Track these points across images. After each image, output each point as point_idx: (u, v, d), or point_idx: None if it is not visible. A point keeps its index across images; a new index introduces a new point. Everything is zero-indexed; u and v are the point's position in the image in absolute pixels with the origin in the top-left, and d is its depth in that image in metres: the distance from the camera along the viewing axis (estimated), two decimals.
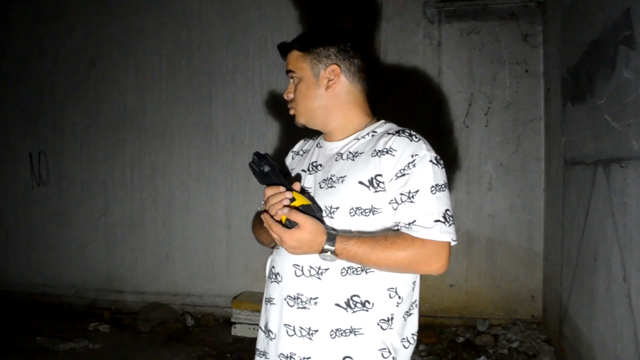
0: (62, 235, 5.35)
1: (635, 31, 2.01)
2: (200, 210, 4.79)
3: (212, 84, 4.73)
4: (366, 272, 1.36)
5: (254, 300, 4.25)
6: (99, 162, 5.15)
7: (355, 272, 1.36)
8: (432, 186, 1.32)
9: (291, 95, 1.51)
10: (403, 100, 4.25)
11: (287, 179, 1.42)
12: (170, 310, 4.69)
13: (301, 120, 1.52)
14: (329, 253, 1.29)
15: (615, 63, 2.24)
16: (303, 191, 1.44)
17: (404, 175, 1.33)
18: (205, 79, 4.75)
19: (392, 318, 1.39)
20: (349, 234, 1.33)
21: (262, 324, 1.56)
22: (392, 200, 1.34)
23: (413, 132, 1.41)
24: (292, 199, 1.32)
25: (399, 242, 1.29)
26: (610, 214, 2.36)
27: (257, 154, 1.40)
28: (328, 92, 1.47)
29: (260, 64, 4.62)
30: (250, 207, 4.59)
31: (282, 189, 1.35)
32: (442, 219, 1.31)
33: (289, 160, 1.72)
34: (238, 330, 4.21)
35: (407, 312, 1.44)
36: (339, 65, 1.47)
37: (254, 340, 4.10)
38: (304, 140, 1.73)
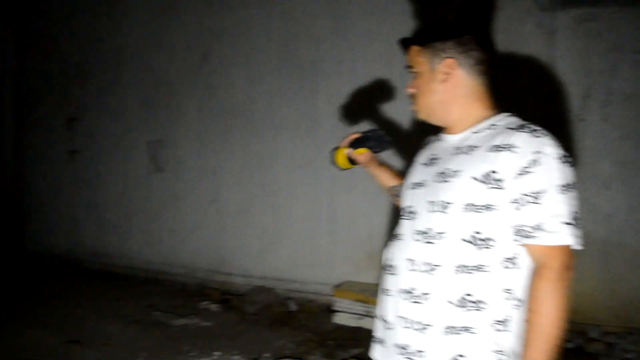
0: (177, 218, 5.75)
1: None
2: (305, 199, 4.93)
3: (318, 76, 4.83)
4: (480, 272, 1.32)
5: (356, 290, 4.33)
6: (210, 151, 5.46)
7: (468, 271, 1.33)
8: (560, 185, 1.26)
9: (412, 91, 1.53)
10: (512, 91, 4.07)
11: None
12: (274, 295, 4.90)
13: (422, 115, 1.54)
14: None
15: None
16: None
17: (527, 173, 1.27)
18: (311, 70, 4.86)
19: (508, 320, 1.33)
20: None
21: (378, 313, 1.58)
22: (513, 200, 1.28)
23: (537, 127, 1.34)
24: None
25: (539, 310, 1.27)
26: None
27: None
28: (444, 86, 1.46)
29: (364, 56, 4.63)
30: (353, 197, 4.66)
31: None
32: (572, 222, 1.26)
33: (418, 156, 1.69)
34: (339, 319, 4.32)
35: None
36: (455, 59, 1.44)
37: (355, 330, 4.22)
38: (434, 135, 1.69)
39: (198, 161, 5.55)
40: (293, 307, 4.71)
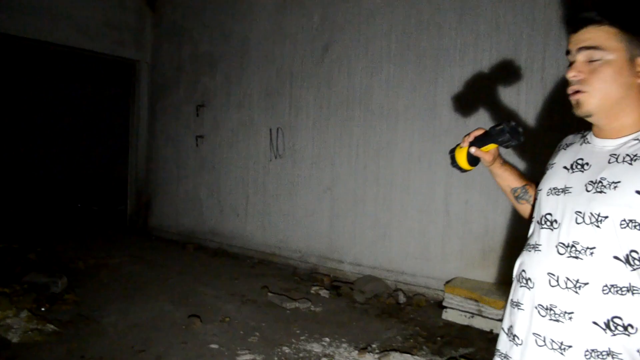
0: (292, 203, 5.93)
1: None
2: (420, 192, 4.86)
3: (439, 66, 4.71)
4: (632, 294, 1.20)
5: (467, 287, 4.21)
6: (327, 139, 5.56)
7: (619, 292, 1.21)
8: None
9: (582, 76, 1.30)
10: None
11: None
12: (384, 285, 4.90)
13: (589, 107, 1.30)
14: None
15: None
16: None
17: None
18: (432, 61, 4.75)
19: None
20: None
21: (505, 326, 1.48)
22: None
23: None
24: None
25: None
26: None
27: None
28: (637, 82, 1.28)
29: (490, 45, 4.44)
30: (470, 193, 4.51)
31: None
32: None
33: (552, 156, 1.57)
34: (449, 315, 4.23)
35: None
36: None
37: (464, 328, 4.11)
38: (573, 135, 1.55)
39: (315, 149, 5.67)
40: (402, 299, 4.68)
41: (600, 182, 1.28)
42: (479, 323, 4.06)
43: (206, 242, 6.98)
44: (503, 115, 4.25)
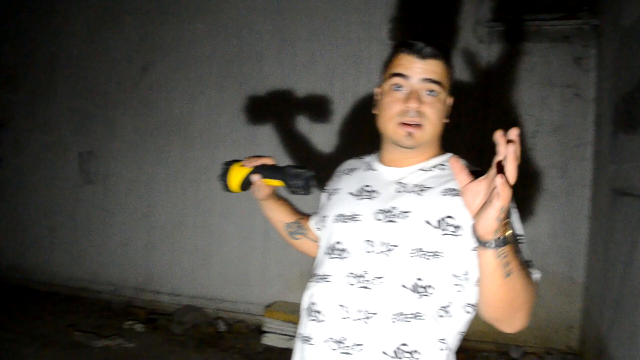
0: (105, 233, 5.51)
1: None
2: (240, 217, 4.84)
3: (259, 94, 4.80)
4: (417, 319, 1.22)
5: (286, 311, 4.25)
6: (145, 164, 5.29)
7: (406, 320, 1.22)
8: (520, 235, 1.22)
9: (422, 108, 1.29)
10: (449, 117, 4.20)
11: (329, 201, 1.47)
12: (203, 314, 4.75)
13: (421, 141, 1.31)
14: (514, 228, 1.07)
15: None
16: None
17: None
18: (253, 88, 4.82)
19: None
20: None
21: None
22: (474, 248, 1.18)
23: None
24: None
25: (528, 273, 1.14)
26: None
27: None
28: (442, 122, 1.34)
29: (307, 75, 4.65)
30: None
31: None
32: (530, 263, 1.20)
33: (332, 181, 1.55)
34: (269, 340, 4.22)
35: None
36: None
37: (284, 351, 4.12)
38: (353, 160, 1.56)
39: (131, 175, 5.36)
40: (222, 327, 4.57)
41: (390, 211, 1.28)
42: None
43: (4, 279, 6.14)
44: (318, 146, 4.46)
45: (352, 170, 1.49)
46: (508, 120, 4.12)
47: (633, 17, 2.91)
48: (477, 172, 1.11)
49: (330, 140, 4.50)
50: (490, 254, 1.03)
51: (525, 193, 4.07)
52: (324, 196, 1.56)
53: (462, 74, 4.22)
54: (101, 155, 5.55)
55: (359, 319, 1.24)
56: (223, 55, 4.96)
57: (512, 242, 1.03)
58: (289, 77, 4.71)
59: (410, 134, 1.28)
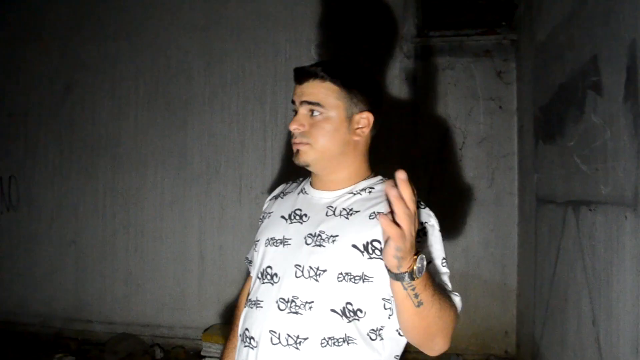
0: (30, 261, 5.21)
1: (603, 78, 2.05)
2: (173, 239, 4.71)
3: (188, 112, 4.70)
4: (348, 344, 1.23)
5: (224, 334, 4.15)
6: (70, 188, 5.06)
7: (336, 344, 1.22)
8: (443, 258, 1.27)
9: (303, 129, 1.32)
10: (378, 133, 4.26)
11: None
12: (139, 342, 4.57)
13: (309, 158, 1.33)
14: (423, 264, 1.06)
15: (584, 107, 2.28)
16: None
17: (418, 242, 1.13)
18: (182, 106, 4.72)
19: None
20: None
21: None
22: None
23: (418, 198, 1.27)
24: None
25: (447, 298, 1.17)
26: (580, 256, 2.36)
27: None
28: (353, 140, 1.35)
29: (237, 93, 4.60)
30: (223, 237, 4.54)
31: None
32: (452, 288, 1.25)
33: (265, 205, 1.57)
34: None
35: None
36: (372, 114, 1.36)
37: None
38: (286, 183, 1.58)
39: (56, 199, 5.11)
40: (159, 354, 4.42)
41: (319, 235, 1.29)
42: None
43: None
44: (250, 164, 4.42)
45: (285, 194, 1.50)
46: (437, 133, 4.22)
47: (546, 32, 3.04)
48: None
49: (262, 159, 4.47)
50: (398, 285, 1.04)
51: (456, 203, 4.17)
52: (259, 223, 1.54)
53: (391, 88, 4.30)
54: (23, 179, 5.26)
55: (289, 345, 1.24)
56: (150, 73, 4.83)
57: (419, 275, 1.03)
58: (218, 94, 4.65)
59: (297, 152, 1.33)
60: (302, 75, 1.35)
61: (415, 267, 1.02)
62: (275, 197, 1.53)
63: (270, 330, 1.26)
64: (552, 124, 2.90)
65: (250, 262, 1.55)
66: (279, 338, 1.25)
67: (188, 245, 4.65)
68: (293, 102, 1.37)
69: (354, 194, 1.35)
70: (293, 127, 1.33)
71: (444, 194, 4.18)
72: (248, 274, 1.61)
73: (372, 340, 1.24)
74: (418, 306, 1.07)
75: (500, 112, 4.13)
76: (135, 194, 4.83)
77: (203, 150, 4.65)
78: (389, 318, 1.25)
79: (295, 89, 1.37)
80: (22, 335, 5.10)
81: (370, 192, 1.35)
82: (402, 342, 1.29)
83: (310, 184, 1.44)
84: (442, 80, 4.24)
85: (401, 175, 0.98)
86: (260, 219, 1.53)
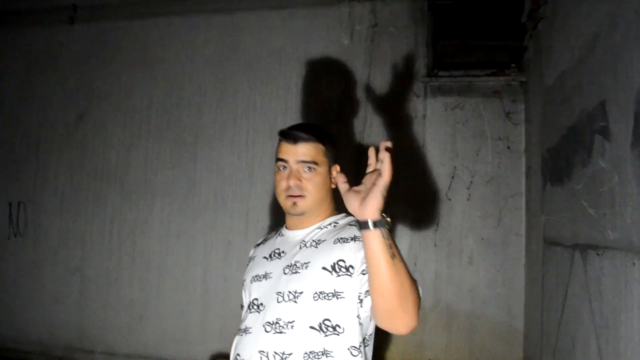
0: (34, 288, 5.20)
1: (611, 123, 2.06)
2: (178, 270, 4.70)
3: (198, 144, 4.76)
4: (327, 357, 1.41)
5: None
6: (78, 216, 5.09)
7: (316, 357, 1.41)
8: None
9: (301, 183, 1.57)
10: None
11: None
12: None
13: (306, 208, 1.58)
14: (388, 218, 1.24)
15: (592, 151, 2.28)
16: None
17: None
18: (192, 138, 4.78)
19: None
20: None
21: None
22: (364, 269, 1.38)
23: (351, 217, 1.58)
24: None
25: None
26: (588, 300, 2.34)
27: None
28: (331, 187, 1.63)
29: (247, 127, 4.66)
30: (228, 269, 4.52)
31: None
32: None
33: (251, 252, 1.82)
34: None
35: None
36: (337, 165, 1.65)
37: None
38: (268, 233, 1.85)
39: (63, 226, 5.13)
40: None
41: (294, 264, 1.52)
42: None
43: None
44: (262, 194, 4.41)
45: (266, 240, 1.77)
46: (445, 172, 4.23)
47: (555, 75, 3.07)
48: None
49: (270, 192, 4.47)
50: (375, 235, 1.21)
51: (463, 243, 4.16)
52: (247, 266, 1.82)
53: (400, 127, 4.33)
54: (32, 205, 5.30)
55: None
56: (162, 104, 4.91)
57: (390, 226, 1.23)
58: (228, 127, 4.70)
59: (295, 204, 1.57)
60: (296, 138, 1.57)
61: (387, 216, 1.22)
62: (258, 245, 1.80)
63: (260, 351, 1.46)
64: (560, 166, 2.91)
65: (242, 306, 1.79)
66: (267, 356, 1.45)
67: (192, 276, 4.64)
68: (283, 159, 1.58)
69: (322, 229, 1.61)
70: (293, 183, 1.56)
71: (451, 233, 4.17)
72: None
73: (354, 356, 1.43)
74: (393, 257, 1.22)
75: (508, 153, 4.15)
76: (142, 223, 4.85)
77: (211, 182, 4.68)
78: (361, 330, 1.45)
79: (286, 147, 1.59)
80: None
81: (334, 225, 1.61)
82: (371, 353, 1.51)
83: (286, 226, 1.69)
84: (450, 119, 4.28)
85: (387, 143, 1.21)
86: (247, 264, 1.78)
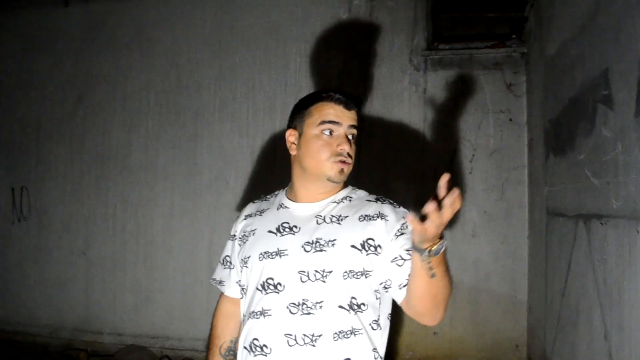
0: (40, 272, 5.24)
1: (614, 91, 2.04)
2: (183, 250, 4.72)
3: (199, 124, 4.74)
4: (355, 335, 1.39)
5: None
6: (81, 199, 5.10)
7: (345, 336, 1.39)
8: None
9: (351, 151, 1.51)
10: (388, 145, 4.27)
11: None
12: (148, 354, 4.58)
13: (343, 177, 1.51)
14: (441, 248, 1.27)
15: (595, 120, 2.27)
16: None
17: (402, 234, 1.42)
18: (192, 118, 4.76)
19: None
20: None
21: None
22: (395, 257, 1.41)
23: (391, 200, 1.55)
24: None
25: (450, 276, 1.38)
26: (591, 269, 2.35)
27: None
28: None
29: (247, 105, 4.63)
30: None
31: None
32: None
33: (240, 225, 1.66)
34: None
35: None
36: None
37: None
38: (253, 202, 1.72)
39: (67, 210, 5.14)
40: None
41: (317, 242, 1.43)
42: None
43: None
44: (265, 174, 4.40)
45: (262, 211, 1.62)
46: (446, 146, 4.22)
47: (556, 46, 3.04)
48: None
49: (272, 170, 4.47)
50: (417, 258, 1.25)
51: (466, 216, 4.16)
52: (230, 244, 1.67)
53: (400, 101, 4.30)
54: (34, 190, 5.31)
55: (305, 344, 1.37)
56: (161, 85, 4.87)
57: (435, 255, 1.24)
58: (228, 105, 4.68)
59: (342, 170, 1.47)
60: (349, 102, 1.50)
61: (433, 248, 1.23)
62: (251, 216, 1.64)
63: (286, 334, 1.39)
64: (563, 137, 2.89)
65: (220, 282, 1.72)
66: (295, 339, 1.38)
67: (197, 255, 4.66)
68: (335, 122, 1.48)
69: (337, 203, 1.52)
70: (348, 148, 1.48)
71: None
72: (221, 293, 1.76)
73: (374, 330, 1.43)
74: (431, 277, 1.27)
75: (510, 125, 4.13)
76: (145, 204, 4.85)
77: (213, 161, 4.67)
78: (381, 306, 1.47)
79: (339, 111, 1.49)
80: (31, 345, 5.12)
81: (350, 200, 1.54)
82: (388, 328, 1.51)
83: (290, 198, 1.58)
84: (451, 92, 4.25)
85: (446, 177, 1.22)
86: (237, 237, 1.64)
